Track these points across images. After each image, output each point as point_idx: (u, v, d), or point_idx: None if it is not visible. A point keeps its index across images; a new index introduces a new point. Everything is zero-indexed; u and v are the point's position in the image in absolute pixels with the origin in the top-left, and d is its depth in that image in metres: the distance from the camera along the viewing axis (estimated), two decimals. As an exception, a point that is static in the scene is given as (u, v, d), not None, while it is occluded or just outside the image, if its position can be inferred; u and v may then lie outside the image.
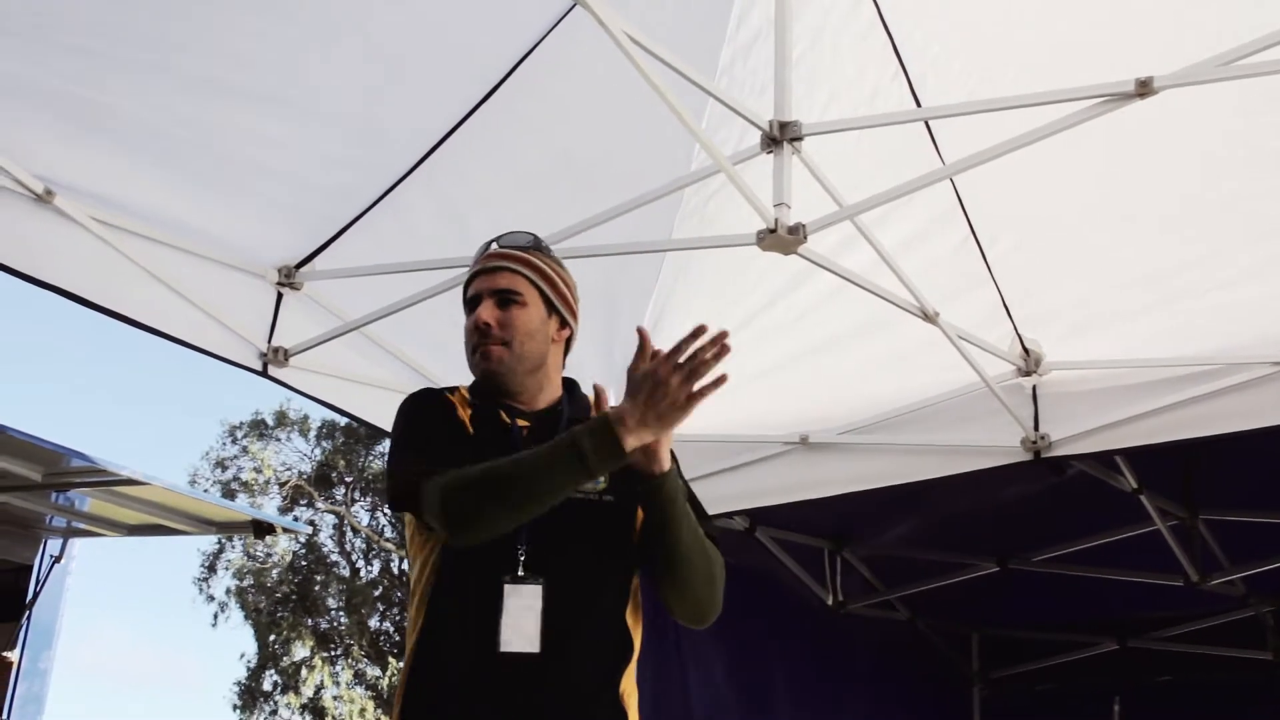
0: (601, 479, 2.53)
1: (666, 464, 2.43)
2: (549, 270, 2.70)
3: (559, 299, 2.70)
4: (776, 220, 3.23)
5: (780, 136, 3.30)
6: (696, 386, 2.30)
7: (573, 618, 2.47)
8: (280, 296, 4.33)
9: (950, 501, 5.63)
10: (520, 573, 2.45)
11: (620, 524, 2.59)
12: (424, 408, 2.64)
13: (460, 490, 2.37)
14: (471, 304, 2.66)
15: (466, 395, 2.67)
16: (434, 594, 2.53)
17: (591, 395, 2.52)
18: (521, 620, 2.42)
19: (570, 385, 2.76)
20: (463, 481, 2.37)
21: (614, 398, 4.89)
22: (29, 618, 6.83)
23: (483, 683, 2.42)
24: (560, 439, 2.35)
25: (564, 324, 2.72)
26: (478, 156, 4.12)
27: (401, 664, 2.63)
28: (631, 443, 2.30)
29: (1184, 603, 6.26)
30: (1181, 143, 3.79)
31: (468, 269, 2.75)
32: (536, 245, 2.73)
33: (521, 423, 2.61)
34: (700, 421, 4.73)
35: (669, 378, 2.29)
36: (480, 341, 2.61)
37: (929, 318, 4.10)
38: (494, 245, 2.72)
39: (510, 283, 2.64)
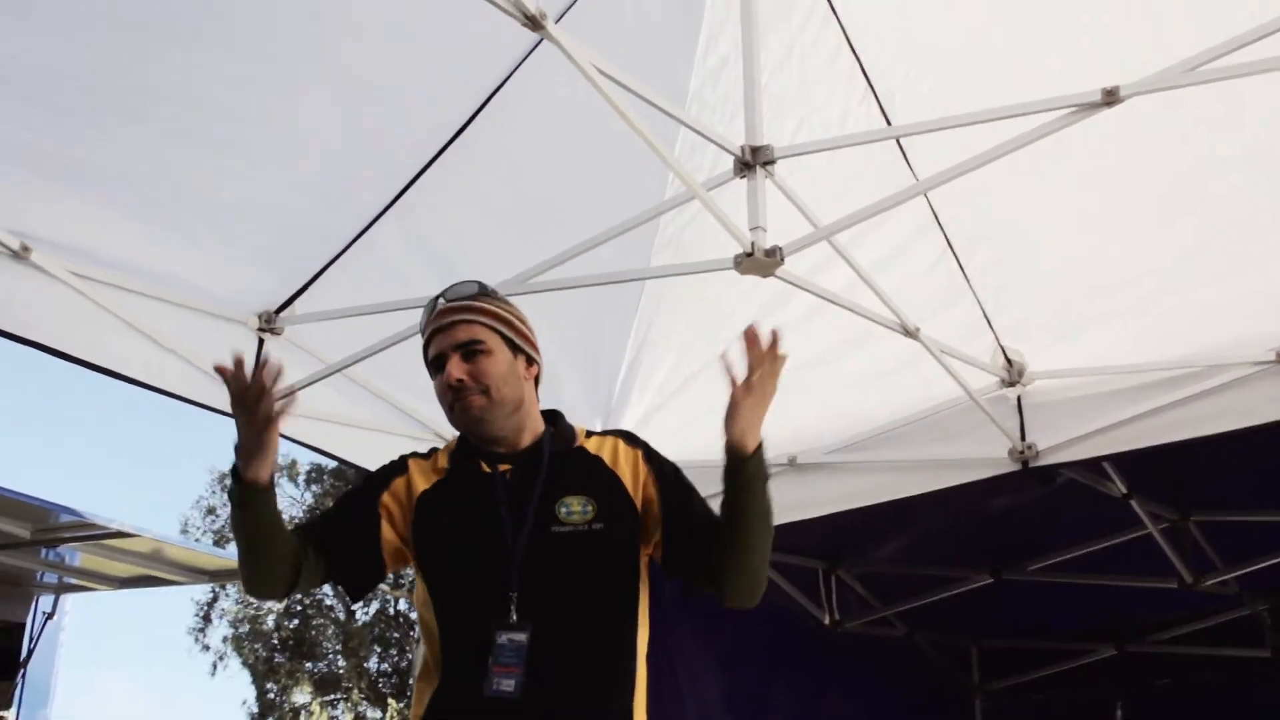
0: (589, 508, 2.57)
1: (753, 445, 2.48)
2: (502, 312, 2.69)
3: (519, 337, 2.69)
4: (753, 243, 3.24)
5: (753, 161, 3.31)
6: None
7: (562, 658, 2.47)
8: (261, 342, 4.32)
9: (941, 515, 5.63)
10: (512, 618, 2.47)
11: (614, 552, 2.60)
12: (364, 479, 2.77)
13: None
14: (436, 364, 2.65)
15: (442, 460, 2.71)
16: (432, 646, 2.59)
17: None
18: (508, 665, 2.44)
19: (553, 417, 2.75)
20: None
21: (599, 424, 4.89)
22: (24, 676, 6.81)
23: None
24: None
25: (530, 361, 2.72)
26: (451, 193, 4.12)
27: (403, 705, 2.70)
28: None
29: (1179, 605, 6.27)
30: (1153, 149, 3.81)
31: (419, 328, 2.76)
32: (483, 291, 2.72)
33: (503, 466, 2.62)
34: (689, 447, 4.75)
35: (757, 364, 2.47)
36: (456, 397, 2.60)
37: (910, 333, 4.10)
38: (440, 301, 2.70)
39: (470, 333, 2.63)
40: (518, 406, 2.64)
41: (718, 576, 2.60)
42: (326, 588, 27.31)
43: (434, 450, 2.74)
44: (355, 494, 2.73)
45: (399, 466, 2.72)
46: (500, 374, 2.61)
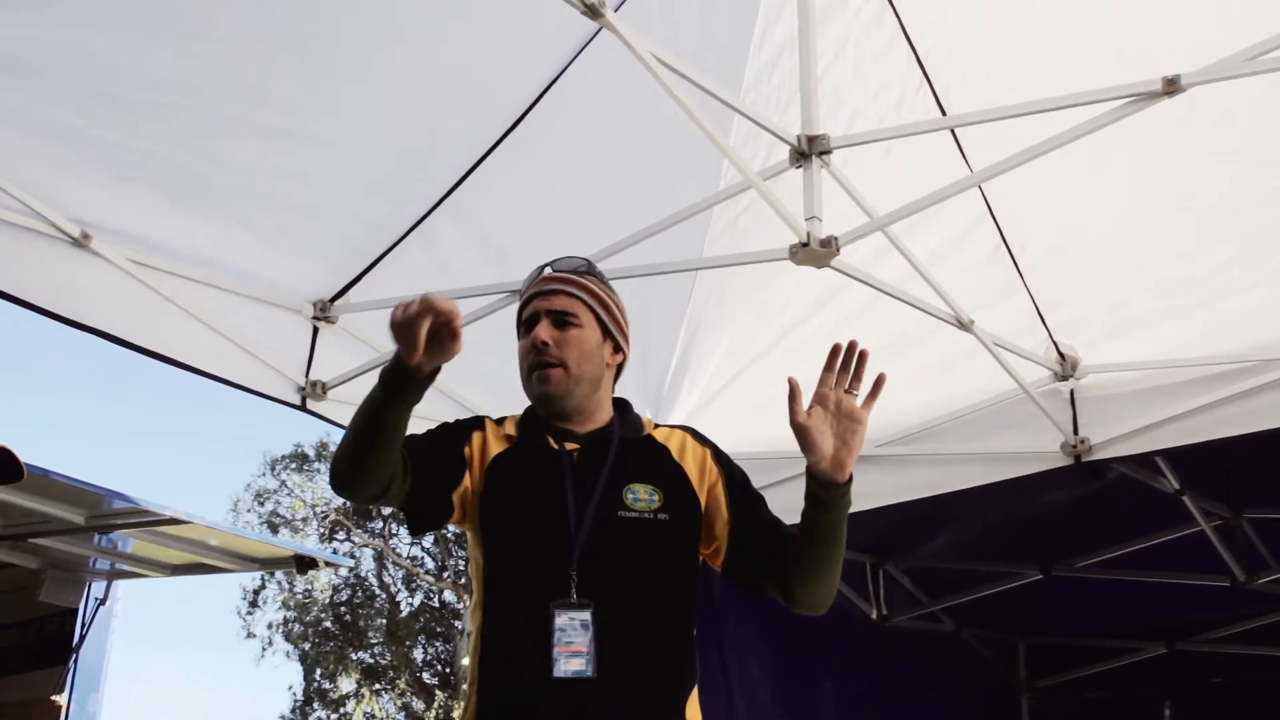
0: (656, 497, 2.57)
1: (846, 475, 2.55)
2: (603, 294, 2.72)
3: (613, 323, 2.71)
4: (809, 234, 3.23)
5: (809, 150, 3.31)
6: (861, 399, 2.55)
7: (628, 641, 2.48)
8: (316, 330, 4.36)
9: (991, 510, 5.60)
10: (572, 597, 2.46)
11: (677, 543, 2.62)
12: (444, 427, 2.71)
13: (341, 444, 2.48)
14: (528, 325, 2.67)
15: (510, 429, 2.68)
16: (487, 619, 2.55)
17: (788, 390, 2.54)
18: (573, 644, 2.43)
19: (622, 405, 2.76)
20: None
21: (650, 414, 4.86)
22: (76, 661, 6.86)
23: (540, 709, 2.42)
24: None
25: (617, 348, 2.73)
26: (507, 183, 4.14)
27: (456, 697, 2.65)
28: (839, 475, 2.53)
29: (1231, 603, 6.21)
30: (1211, 142, 3.77)
31: (511, 294, 2.78)
32: (590, 269, 2.75)
33: (570, 446, 2.62)
34: (739, 439, 4.74)
35: (839, 404, 2.52)
36: (537, 361, 2.62)
37: (964, 326, 4.09)
38: (547, 269, 2.74)
39: (566, 305, 2.66)
40: (595, 387, 2.66)
41: (792, 589, 2.67)
42: (372, 576, 27.52)
43: (504, 417, 2.72)
44: (442, 435, 2.67)
45: (477, 423, 2.70)
46: (584, 350, 2.63)
